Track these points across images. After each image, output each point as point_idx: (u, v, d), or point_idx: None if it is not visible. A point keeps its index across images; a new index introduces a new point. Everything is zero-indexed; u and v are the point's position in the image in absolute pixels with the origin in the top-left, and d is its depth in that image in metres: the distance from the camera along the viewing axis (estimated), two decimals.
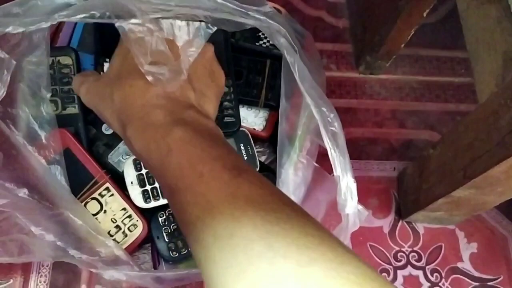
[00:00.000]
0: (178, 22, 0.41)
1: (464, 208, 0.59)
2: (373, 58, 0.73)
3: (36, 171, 0.46)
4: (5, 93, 0.38)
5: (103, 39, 0.56)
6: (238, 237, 0.29)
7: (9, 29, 0.36)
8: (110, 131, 0.56)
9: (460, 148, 0.50)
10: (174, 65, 0.39)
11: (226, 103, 0.55)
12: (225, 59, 0.55)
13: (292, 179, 0.49)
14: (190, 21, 0.41)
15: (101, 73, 0.55)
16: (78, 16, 0.37)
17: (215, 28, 0.42)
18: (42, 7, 0.38)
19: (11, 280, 0.57)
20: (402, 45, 0.68)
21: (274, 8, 0.63)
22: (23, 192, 0.43)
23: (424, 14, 0.59)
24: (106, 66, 0.54)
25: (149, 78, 0.38)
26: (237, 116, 0.55)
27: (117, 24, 0.38)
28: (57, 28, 0.59)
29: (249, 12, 0.41)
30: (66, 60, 0.52)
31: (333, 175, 0.40)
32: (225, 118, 0.55)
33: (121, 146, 0.56)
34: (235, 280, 0.28)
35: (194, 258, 0.33)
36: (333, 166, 0.39)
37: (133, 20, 0.38)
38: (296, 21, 0.62)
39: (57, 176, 0.47)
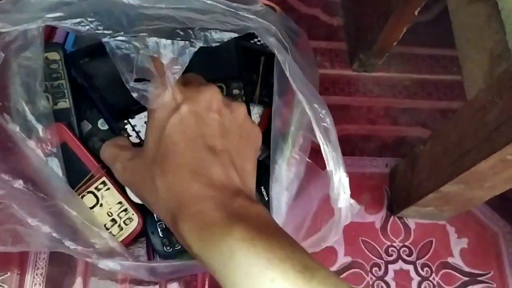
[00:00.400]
0: (163, 40, 0.41)
1: (454, 203, 0.60)
2: (366, 56, 0.74)
3: (32, 163, 0.46)
4: None
5: (115, 102, 0.56)
6: None
7: None
8: (106, 127, 0.57)
9: (449, 144, 0.51)
10: (159, 82, 0.39)
11: None
12: (237, 64, 0.56)
13: (286, 174, 0.50)
14: (175, 40, 0.42)
15: (128, 139, 0.54)
16: (67, 22, 0.38)
17: (200, 45, 0.42)
18: (35, 5, 0.38)
19: (8, 273, 0.58)
20: (395, 43, 0.69)
21: (269, 6, 0.64)
22: (18, 183, 0.44)
23: (416, 13, 0.60)
24: (128, 127, 0.55)
25: (134, 94, 0.38)
26: None
27: (104, 40, 0.39)
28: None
29: (238, 12, 0.42)
30: (54, 55, 0.53)
31: (325, 171, 0.41)
32: None
33: None
34: None
35: None
36: (325, 161, 0.40)
37: (120, 38, 0.39)
38: (290, 19, 0.62)
39: (54, 168, 0.48)
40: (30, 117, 0.48)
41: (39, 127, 0.48)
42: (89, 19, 0.38)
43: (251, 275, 0.31)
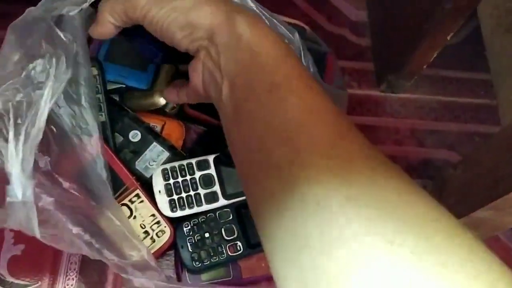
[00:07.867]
0: None
1: (482, 229, 0.60)
2: (395, 77, 0.74)
3: (84, 169, 0.47)
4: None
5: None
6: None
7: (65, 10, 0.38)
8: (137, 139, 0.58)
9: (483, 169, 0.51)
10: None
11: None
12: None
13: None
14: None
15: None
16: None
17: None
18: None
19: (39, 282, 0.59)
20: (425, 66, 0.69)
21: (298, 26, 0.65)
22: (69, 185, 0.44)
23: (448, 38, 0.61)
24: None
25: None
26: None
27: None
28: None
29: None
30: (94, 71, 0.54)
31: None
32: None
33: (148, 153, 0.58)
34: None
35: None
36: None
37: None
38: (319, 39, 0.63)
39: (100, 171, 0.49)
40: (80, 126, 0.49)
41: (84, 137, 0.48)
42: None
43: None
